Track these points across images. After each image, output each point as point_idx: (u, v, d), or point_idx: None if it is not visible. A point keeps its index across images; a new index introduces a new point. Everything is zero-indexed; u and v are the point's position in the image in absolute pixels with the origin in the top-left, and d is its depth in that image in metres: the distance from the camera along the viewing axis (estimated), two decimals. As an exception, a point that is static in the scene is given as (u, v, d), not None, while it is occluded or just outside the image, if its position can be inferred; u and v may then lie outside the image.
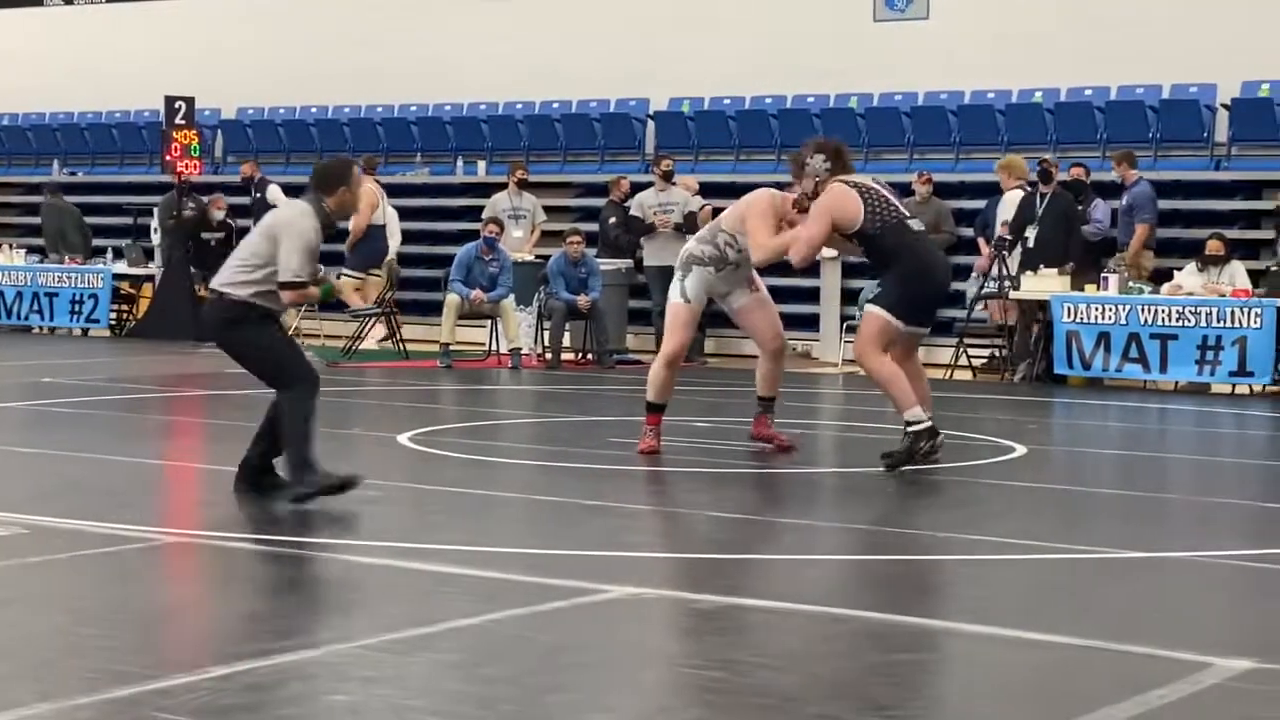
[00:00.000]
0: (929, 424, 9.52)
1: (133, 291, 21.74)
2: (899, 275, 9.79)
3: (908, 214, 9.88)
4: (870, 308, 9.86)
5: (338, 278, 19.09)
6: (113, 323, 21.54)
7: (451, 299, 17.47)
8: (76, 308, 21.27)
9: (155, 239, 21.85)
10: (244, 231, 20.52)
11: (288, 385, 8.06)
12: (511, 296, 17.68)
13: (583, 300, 17.63)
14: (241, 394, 13.29)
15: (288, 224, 8.02)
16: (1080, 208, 17.19)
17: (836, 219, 9.76)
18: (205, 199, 21.43)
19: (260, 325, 8.09)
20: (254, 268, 8.04)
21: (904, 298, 9.76)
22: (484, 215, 19.06)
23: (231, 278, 8.08)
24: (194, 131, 20.84)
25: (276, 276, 8.00)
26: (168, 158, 20.73)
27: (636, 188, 19.62)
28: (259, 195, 21.01)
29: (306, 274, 8.02)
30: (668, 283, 18.49)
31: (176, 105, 20.68)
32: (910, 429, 9.54)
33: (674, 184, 18.88)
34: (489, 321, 18.26)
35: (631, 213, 18.86)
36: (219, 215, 21.05)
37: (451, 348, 17.42)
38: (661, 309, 18.86)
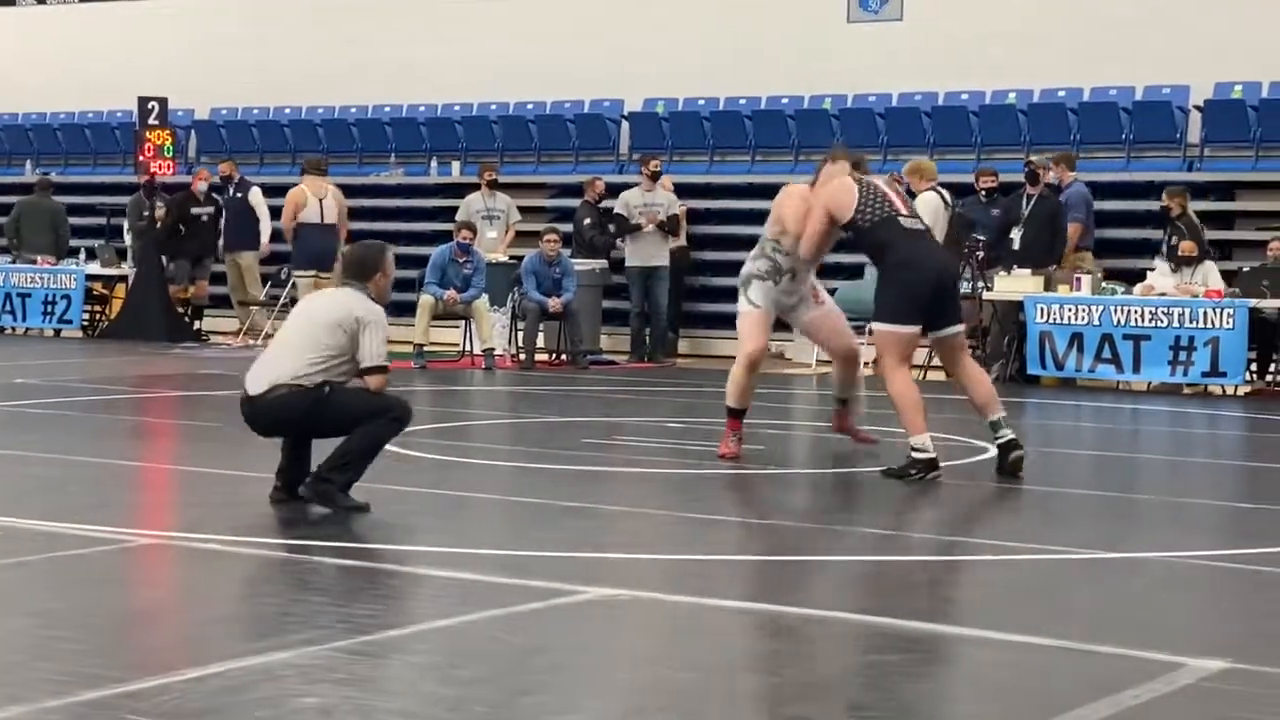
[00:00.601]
0: (932, 456, 9.57)
1: (105, 292, 21.68)
2: (884, 272, 9.98)
3: (904, 212, 9.93)
4: (874, 325, 10.00)
5: (286, 276, 19.55)
6: (85, 324, 21.48)
7: (425, 300, 17.46)
8: (49, 308, 21.18)
9: (128, 240, 21.79)
10: (232, 209, 20.72)
11: (383, 415, 8.08)
12: (485, 297, 17.67)
13: (554, 303, 17.63)
14: (216, 395, 13.26)
15: (366, 313, 8.05)
16: (996, 211, 17.22)
17: (832, 209, 9.91)
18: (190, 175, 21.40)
19: (339, 391, 8.08)
20: (326, 359, 8.02)
21: (893, 298, 9.83)
22: (457, 217, 19.07)
23: (301, 370, 7.99)
24: (167, 132, 20.76)
25: (346, 364, 8.04)
26: (141, 158, 20.65)
27: (611, 188, 19.66)
28: (239, 196, 20.96)
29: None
30: (648, 284, 18.78)
31: (150, 105, 20.60)
32: (912, 454, 9.60)
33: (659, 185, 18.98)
34: (463, 322, 18.26)
35: (616, 211, 18.87)
36: (203, 187, 20.95)
37: (425, 348, 17.41)
38: (640, 310, 18.93)
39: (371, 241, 8.70)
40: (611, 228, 19.00)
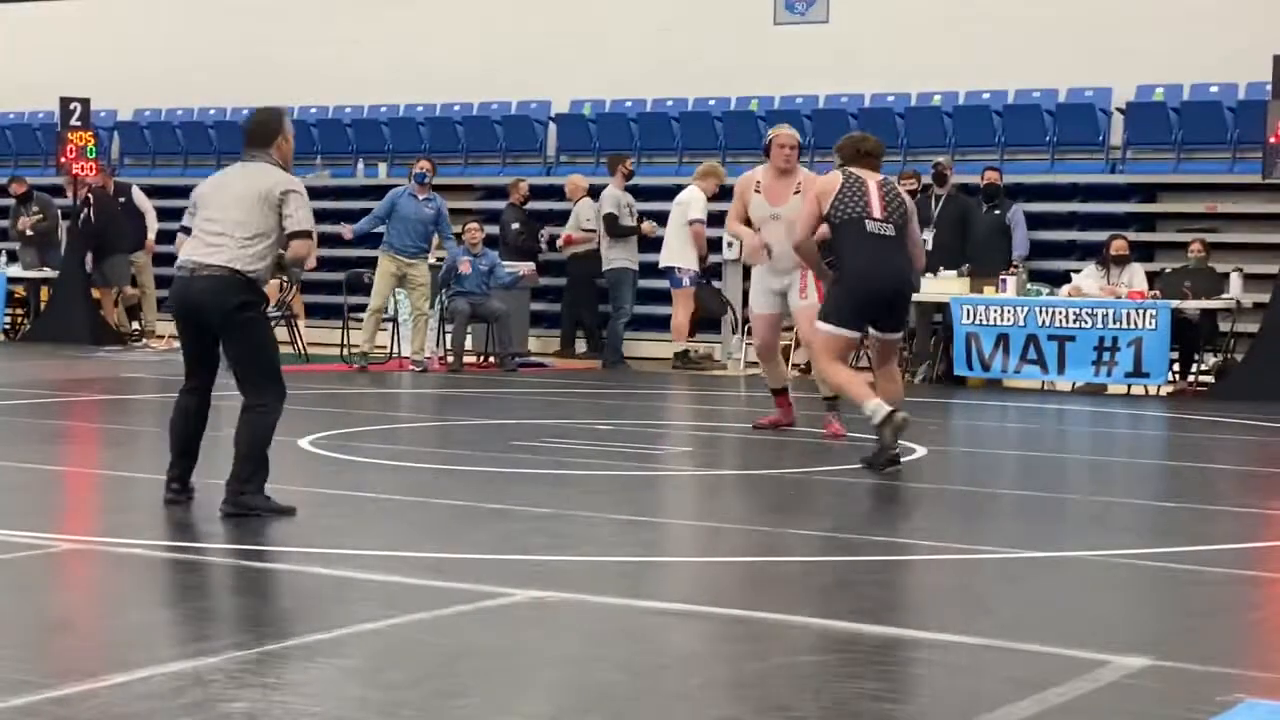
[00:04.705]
0: (888, 410, 9.70)
1: (27, 295, 21.48)
2: (839, 274, 10.28)
3: (878, 216, 10.06)
4: (817, 323, 10.24)
5: None
6: (7, 327, 21.27)
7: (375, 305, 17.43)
8: (-31, 313, 20.97)
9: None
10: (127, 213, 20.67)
11: (261, 392, 7.89)
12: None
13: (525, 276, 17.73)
14: (138, 399, 13.16)
15: (288, 183, 7.90)
16: (998, 212, 17.40)
17: (821, 200, 10.24)
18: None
19: (264, 317, 7.96)
20: (259, 239, 7.84)
21: (841, 300, 10.12)
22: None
23: (240, 253, 7.81)
24: (90, 133, 20.60)
25: (273, 245, 7.89)
26: (63, 160, 20.48)
27: (537, 190, 19.70)
28: (123, 201, 20.93)
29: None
30: (633, 286, 18.70)
31: (72, 107, 20.43)
32: (873, 423, 9.77)
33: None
34: (391, 325, 18.23)
35: (606, 211, 18.66)
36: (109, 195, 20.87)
37: (368, 353, 17.34)
38: (620, 311, 18.84)
39: (268, 106, 8.47)
40: (601, 228, 18.89)
